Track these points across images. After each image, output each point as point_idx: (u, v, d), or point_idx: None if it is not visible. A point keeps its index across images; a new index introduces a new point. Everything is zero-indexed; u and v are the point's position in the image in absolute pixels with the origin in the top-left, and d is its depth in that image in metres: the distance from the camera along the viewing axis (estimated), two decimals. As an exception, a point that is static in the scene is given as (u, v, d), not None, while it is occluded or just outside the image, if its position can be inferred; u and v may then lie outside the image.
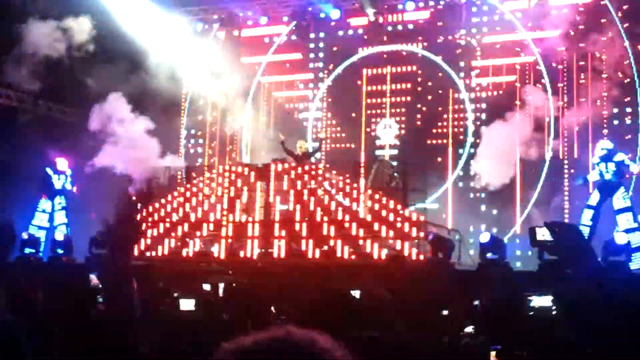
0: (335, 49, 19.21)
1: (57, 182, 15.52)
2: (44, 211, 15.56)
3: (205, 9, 19.52)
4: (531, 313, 7.39)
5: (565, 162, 16.08)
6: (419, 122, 18.15)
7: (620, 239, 11.56)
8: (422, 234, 12.53)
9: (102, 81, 15.90)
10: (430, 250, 12.24)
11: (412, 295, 7.17)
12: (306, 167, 13.73)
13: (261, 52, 19.64)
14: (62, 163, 15.56)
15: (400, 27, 18.61)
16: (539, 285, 8.74)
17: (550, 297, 7.41)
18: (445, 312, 7.04)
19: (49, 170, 15.51)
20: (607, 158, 12.87)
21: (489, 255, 11.99)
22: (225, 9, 19.48)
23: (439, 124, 17.96)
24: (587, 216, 12.85)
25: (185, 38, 18.67)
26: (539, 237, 11.07)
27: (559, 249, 10.10)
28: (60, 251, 13.54)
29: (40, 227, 15.38)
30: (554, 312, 7.13)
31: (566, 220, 12.71)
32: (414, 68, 18.36)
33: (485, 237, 12.35)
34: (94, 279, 5.39)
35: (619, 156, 12.87)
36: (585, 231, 12.51)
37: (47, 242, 14.45)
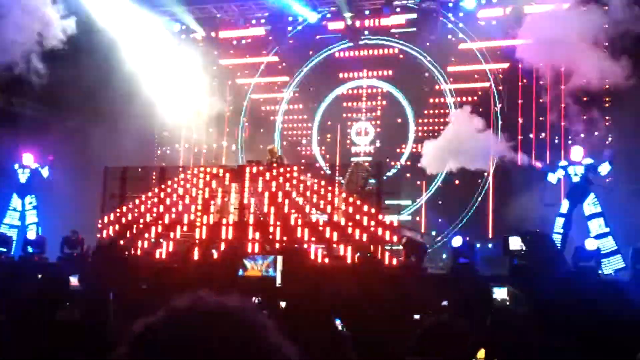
0: (311, 52, 19.32)
1: (22, 177, 15.35)
2: (14, 209, 15.39)
3: (183, 10, 19.44)
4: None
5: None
6: (394, 127, 18.31)
7: (590, 245, 11.75)
8: (395, 238, 12.60)
9: (69, 77, 15.77)
10: (404, 254, 12.32)
11: (385, 299, 7.22)
12: (281, 170, 13.74)
13: (238, 55, 19.68)
14: (27, 158, 15.38)
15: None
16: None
17: (507, 289, 7.64)
18: (417, 317, 7.11)
19: (16, 166, 15.36)
20: (577, 162, 13.05)
21: (460, 259, 12.11)
22: (203, 10, 19.45)
23: (415, 127, 18.14)
24: (558, 224, 13.00)
25: (162, 38, 18.62)
26: (512, 246, 11.21)
27: (530, 257, 10.25)
28: (31, 250, 13.43)
29: (11, 226, 15.22)
30: (507, 304, 7.35)
31: (538, 229, 12.80)
32: (390, 72, 18.52)
33: (457, 242, 12.47)
34: (74, 281, 5.37)
35: (587, 160, 13.03)
36: (558, 239, 12.66)
37: (19, 241, 14.31)
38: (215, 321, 1.23)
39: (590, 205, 12.89)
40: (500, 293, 7.96)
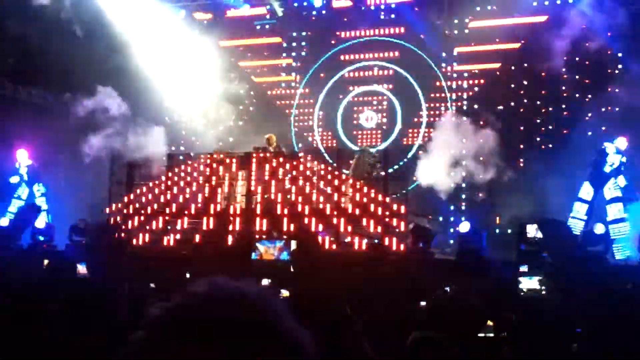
0: (311, 34, 19.27)
1: (23, 173, 15.41)
2: (19, 197, 15.42)
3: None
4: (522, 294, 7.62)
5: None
6: (400, 111, 18.27)
7: (599, 229, 11.74)
8: (403, 224, 12.60)
9: (75, 63, 15.76)
10: (411, 239, 12.32)
11: (392, 284, 7.25)
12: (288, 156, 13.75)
13: (243, 37, 19.61)
14: (21, 154, 15.41)
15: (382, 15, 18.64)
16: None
17: (538, 279, 7.68)
18: (423, 303, 7.13)
19: (17, 164, 15.41)
20: (623, 153, 12.93)
21: (468, 245, 12.10)
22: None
23: (419, 112, 18.08)
24: (581, 210, 12.92)
25: (166, 23, 18.57)
26: (529, 233, 11.19)
27: (547, 245, 10.27)
28: (41, 238, 13.46)
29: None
30: (543, 293, 7.40)
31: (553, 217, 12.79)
32: (396, 54, 18.41)
33: (465, 227, 12.46)
34: (81, 268, 5.41)
35: (623, 158, 12.91)
36: (580, 225, 12.60)
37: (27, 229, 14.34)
38: (231, 305, 1.26)
39: (611, 188, 12.80)
40: (529, 283, 8.00)
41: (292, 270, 9.36)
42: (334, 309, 3.61)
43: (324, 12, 18.94)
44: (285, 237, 12.06)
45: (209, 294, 1.28)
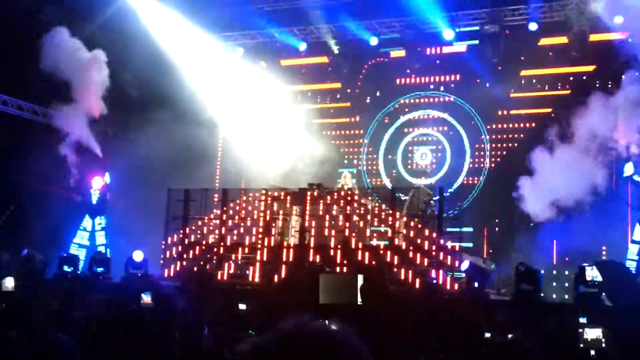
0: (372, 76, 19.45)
1: (94, 198, 15.77)
2: (84, 229, 15.81)
3: (245, 34, 19.72)
4: (582, 345, 7.45)
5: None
6: (456, 150, 18.22)
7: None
8: (457, 263, 12.48)
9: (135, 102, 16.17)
10: (465, 279, 12.17)
11: (446, 324, 7.18)
12: (342, 193, 13.80)
13: (300, 81, 19.92)
14: (97, 181, 15.80)
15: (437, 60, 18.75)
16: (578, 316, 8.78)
17: (601, 330, 7.49)
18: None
19: (91, 189, 15.79)
20: None
21: (524, 285, 11.88)
22: (265, 34, 19.69)
23: (476, 152, 17.99)
24: (633, 251, 12.67)
25: (225, 61, 18.98)
26: (588, 277, 10.96)
27: (607, 287, 10.05)
28: (99, 270, 13.72)
29: (80, 246, 15.62)
30: (603, 345, 7.20)
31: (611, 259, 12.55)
32: (451, 98, 18.46)
33: (521, 267, 12.26)
34: (146, 298, 5.51)
35: None
36: (633, 265, 12.33)
37: (86, 261, 14.66)
38: (320, 344, 1.33)
39: None
40: (592, 333, 7.83)
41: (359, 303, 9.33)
42: (404, 345, 3.61)
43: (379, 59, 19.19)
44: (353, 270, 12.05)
45: (296, 332, 1.35)
